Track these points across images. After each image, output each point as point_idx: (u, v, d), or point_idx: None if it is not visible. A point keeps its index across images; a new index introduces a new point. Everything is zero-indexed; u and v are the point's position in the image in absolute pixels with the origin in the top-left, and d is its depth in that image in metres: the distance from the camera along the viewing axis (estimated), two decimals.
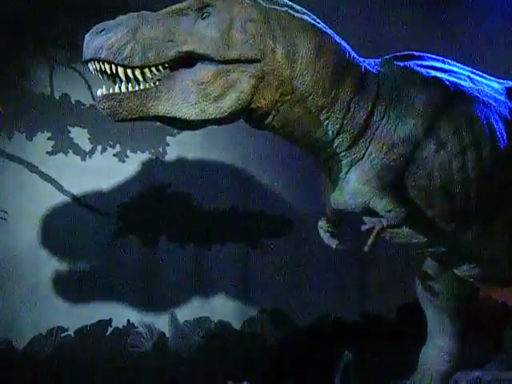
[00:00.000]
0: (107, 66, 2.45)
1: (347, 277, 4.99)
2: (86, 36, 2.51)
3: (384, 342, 4.69)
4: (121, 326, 4.57)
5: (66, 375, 4.39)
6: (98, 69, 2.48)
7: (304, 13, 2.69)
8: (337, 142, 2.72)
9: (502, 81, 3.26)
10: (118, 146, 4.57)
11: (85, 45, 2.50)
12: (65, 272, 4.51)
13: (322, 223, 3.09)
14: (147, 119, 2.56)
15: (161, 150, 4.64)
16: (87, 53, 2.48)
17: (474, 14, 5.06)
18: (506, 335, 4.65)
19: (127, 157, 4.59)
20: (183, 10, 2.55)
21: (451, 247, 3.05)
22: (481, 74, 3.18)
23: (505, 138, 2.94)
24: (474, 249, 3.09)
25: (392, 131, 2.73)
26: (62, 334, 4.46)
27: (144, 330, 4.60)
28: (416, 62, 2.93)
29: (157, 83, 2.49)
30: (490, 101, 2.98)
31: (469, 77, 3.04)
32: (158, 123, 2.69)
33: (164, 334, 4.63)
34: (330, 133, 2.70)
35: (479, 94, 2.95)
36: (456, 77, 2.96)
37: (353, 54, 2.76)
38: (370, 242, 2.72)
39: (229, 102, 2.51)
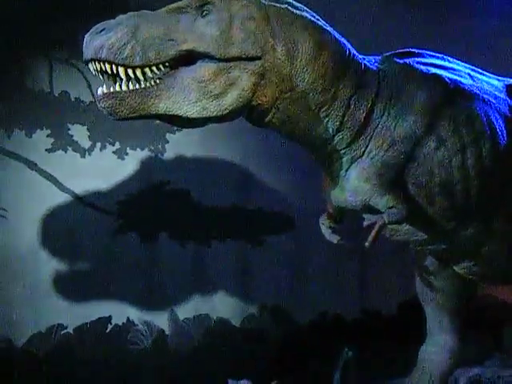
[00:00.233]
0: (108, 66, 2.45)
1: (347, 274, 4.99)
2: (86, 36, 2.50)
3: (384, 339, 4.70)
4: (120, 324, 4.57)
5: (66, 373, 4.39)
6: (99, 69, 2.47)
7: (304, 10, 2.69)
8: (337, 139, 2.73)
9: (501, 78, 3.26)
10: (117, 144, 4.57)
11: (85, 45, 2.49)
12: (64, 269, 4.50)
13: (323, 219, 3.10)
14: (148, 117, 2.55)
15: (160, 147, 4.63)
16: (87, 53, 2.47)
17: (474, 13, 5.06)
18: (506, 332, 4.65)
19: (127, 154, 4.58)
20: (183, 9, 2.55)
21: (451, 244, 3.06)
22: (481, 71, 3.19)
23: (505, 135, 2.94)
24: (474, 246, 3.09)
25: (392, 128, 2.73)
26: (62, 332, 4.45)
27: (144, 327, 4.60)
28: (416, 59, 2.93)
29: (157, 81, 2.49)
30: (490, 98, 2.98)
31: (469, 74, 3.05)
32: (158, 121, 2.69)
33: (164, 332, 4.63)
34: (330, 130, 2.70)
35: (479, 91, 2.95)
36: (456, 74, 2.96)
37: (353, 51, 2.76)
38: (370, 238, 2.73)
39: (230, 100, 2.51)
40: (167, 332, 4.64)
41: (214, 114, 2.51)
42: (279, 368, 4.55)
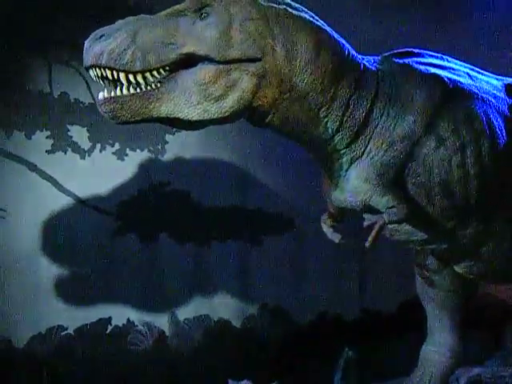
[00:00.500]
0: (108, 72, 2.45)
1: (347, 274, 4.99)
2: (86, 42, 2.50)
3: (384, 339, 4.70)
4: (121, 325, 4.57)
5: (66, 374, 4.39)
6: (100, 75, 2.47)
7: (302, 10, 2.69)
8: (336, 139, 2.73)
9: (500, 77, 3.26)
10: (117, 145, 4.57)
11: (85, 51, 2.49)
12: (64, 270, 4.50)
13: (324, 218, 3.10)
14: (149, 121, 2.55)
15: (160, 148, 4.63)
16: (87, 59, 2.47)
17: (475, 12, 5.06)
18: (507, 332, 4.65)
19: (126, 155, 4.58)
20: (181, 12, 2.55)
21: (451, 244, 3.06)
22: (480, 70, 3.18)
23: (504, 134, 2.94)
24: (474, 246, 3.09)
25: (391, 128, 2.73)
26: (62, 333, 4.45)
27: (144, 328, 4.60)
28: (415, 59, 2.94)
29: (158, 85, 2.49)
30: (489, 97, 2.98)
31: (468, 74, 3.04)
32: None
33: (164, 333, 4.63)
34: (330, 130, 2.70)
35: (478, 90, 2.95)
36: (455, 74, 2.96)
37: (352, 51, 2.76)
38: (371, 238, 2.74)
39: (231, 102, 2.51)
40: (167, 333, 4.64)
41: (215, 116, 2.52)
42: (279, 368, 4.56)
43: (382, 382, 4.12)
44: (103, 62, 2.43)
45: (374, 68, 2.81)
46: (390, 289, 4.93)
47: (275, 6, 2.59)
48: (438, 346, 3.67)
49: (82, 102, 4.51)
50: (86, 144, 4.53)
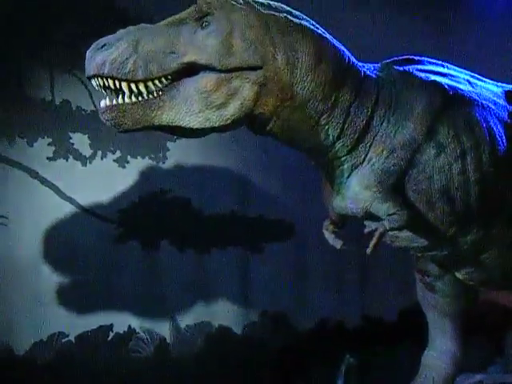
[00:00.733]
0: (111, 82, 2.45)
1: (348, 280, 4.99)
2: (88, 52, 2.51)
3: (386, 346, 4.70)
4: (122, 332, 4.57)
5: (67, 381, 4.39)
6: (102, 84, 2.48)
7: (303, 18, 2.69)
8: (337, 146, 2.73)
9: (500, 84, 3.27)
10: (118, 152, 4.58)
11: (86, 61, 2.50)
12: (65, 277, 4.51)
13: (326, 225, 3.10)
14: (151, 129, 2.56)
15: (161, 155, 4.65)
16: (90, 69, 2.48)
17: (476, 19, 5.07)
18: (508, 338, 4.64)
19: (127, 162, 4.59)
20: (183, 21, 2.55)
21: (452, 251, 3.05)
22: (480, 77, 3.19)
23: (504, 141, 2.94)
24: (475, 252, 3.09)
25: (392, 135, 2.74)
26: (63, 340, 4.45)
27: (145, 335, 4.60)
28: (415, 66, 2.94)
29: (160, 93, 2.50)
30: (489, 104, 2.99)
31: (468, 80, 3.05)
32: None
33: (165, 339, 4.63)
34: (331, 137, 2.71)
35: (478, 97, 2.96)
36: (455, 80, 2.97)
37: (352, 58, 2.77)
38: (372, 244, 2.74)
39: (232, 110, 2.52)
40: (168, 340, 4.64)
41: (217, 124, 2.52)
42: (281, 375, 4.56)
43: None
44: (105, 72, 2.43)
45: (374, 75, 2.82)
46: (391, 295, 4.93)
47: (276, 13, 2.60)
48: (440, 352, 3.66)
49: (83, 110, 4.52)
50: (87, 151, 4.54)
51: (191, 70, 2.51)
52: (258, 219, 4.83)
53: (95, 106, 4.43)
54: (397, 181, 2.74)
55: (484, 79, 3.20)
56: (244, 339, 4.75)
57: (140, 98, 2.48)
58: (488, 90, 3.10)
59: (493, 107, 2.99)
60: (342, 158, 2.76)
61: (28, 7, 4.38)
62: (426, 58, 3.07)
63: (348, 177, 2.78)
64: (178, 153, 4.65)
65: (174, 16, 2.58)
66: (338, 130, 2.70)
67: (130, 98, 2.48)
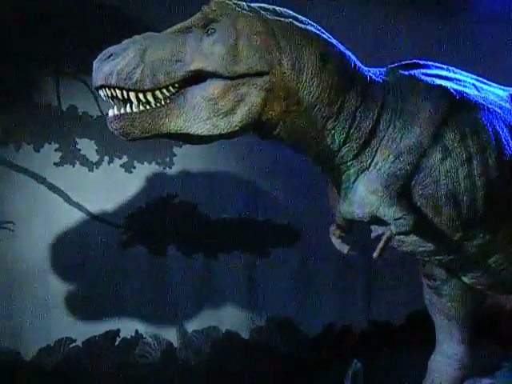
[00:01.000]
0: (118, 92, 2.46)
1: (355, 285, 4.99)
2: (94, 62, 2.52)
3: (393, 350, 4.69)
4: (129, 337, 4.57)
5: None
6: (110, 95, 2.49)
7: (308, 23, 2.70)
8: (343, 151, 2.74)
9: (506, 88, 3.27)
10: (124, 157, 4.59)
11: (94, 72, 2.51)
12: (73, 282, 4.51)
13: (332, 229, 3.10)
14: (159, 137, 2.56)
15: (168, 160, 4.65)
16: (97, 80, 2.49)
17: (480, 21, 5.07)
18: None
19: (134, 168, 4.60)
20: (188, 28, 2.56)
21: (458, 255, 3.05)
22: (486, 81, 3.19)
23: (510, 145, 2.94)
24: (482, 256, 3.08)
25: (398, 140, 2.74)
26: (70, 345, 4.46)
27: (152, 340, 4.60)
28: (421, 70, 2.94)
29: (167, 101, 2.50)
30: (496, 108, 2.98)
31: (474, 85, 3.05)
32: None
33: (172, 344, 4.63)
34: (337, 142, 2.71)
35: (484, 101, 2.95)
36: (461, 85, 2.97)
37: (358, 63, 2.78)
38: (378, 248, 2.74)
39: (239, 116, 2.52)
40: (175, 345, 4.64)
41: (225, 131, 2.53)
42: (288, 380, 4.55)
43: None
44: (113, 82, 2.44)
45: (380, 80, 2.82)
46: (398, 299, 4.92)
47: (281, 19, 2.61)
48: (447, 356, 3.65)
49: (90, 115, 4.53)
50: (94, 157, 4.55)
51: (198, 77, 2.52)
52: (265, 224, 4.82)
53: (102, 112, 4.45)
54: (403, 185, 2.74)
55: (490, 83, 3.20)
56: (251, 344, 4.75)
57: (148, 107, 2.49)
58: (494, 93, 3.10)
59: (499, 111, 2.99)
60: (349, 163, 2.77)
61: (35, 15, 4.40)
62: (431, 63, 3.07)
63: (354, 181, 2.78)
64: (185, 158, 4.65)
65: (179, 24, 2.59)
66: (344, 135, 2.70)
67: (138, 107, 2.48)
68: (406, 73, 2.89)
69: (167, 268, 4.67)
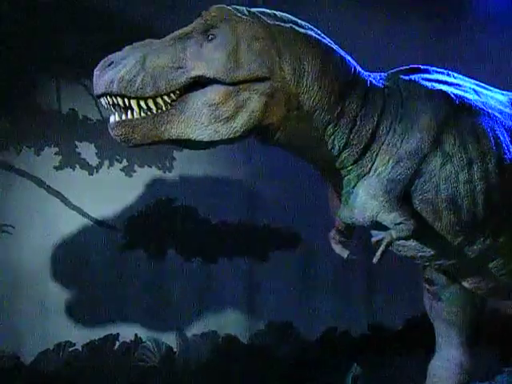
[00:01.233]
0: (120, 100, 2.46)
1: (355, 289, 4.98)
2: (95, 70, 2.51)
3: (392, 355, 4.68)
4: (128, 341, 4.56)
5: None
6: (111, 103, 2.48)
7: (309, 28, 2.70)
8: (344, 155, 2.74)
9: (506, 93, 3.27)
10: (124, 161, 4.59)
11: (94, 80, 2.50)
12: (72, 286, 4.51)
13: (333, 234, 3.10)
14: (161, 143, 2.56)
15: (168, 164, 4.66)
16: (98, 88, 2.49)
17: (480, 27, 5.08)
18: None
19: (134, 171, 4.61)
20: (188, 34, 2.55)
21: (459, 260, 3.05)
22: (486, 86, 3.19)
23: (511, 149, 2.94)
24: (482, 261, 3.08)
25: (398, 145, 2.74)
26: (70, 349, 4.45)
27: (151, 344, 4.59)
28: (421, 75, 2.94)
29: (168, 107, 2.50)
30: (496, 113, 2.99)
31: (474, 89, 3.05)
32: None
33: (171, 349, 4.63)
34: (337, 147, 2.71)
35: (484, 106, 2.96)
36: (461, 90, 2.97)
37: (358, 68, 2.78)
38: (378, 253, 2.74)
39: (241, 122, 2.52)
40: (175, 349, 4.63)
41: (226, 136, 2.52)
42: None
43: None
44: (114, 90, 2.44)
45: (380, 85, 2.83)
46: (398, 304, 4.92)
47: (281, 24, 2.60)
48: (446, 361, 3.64)
49: (90, 119, 4.54)
50: (94, 160, 4.55)
51: (199, 83, 2.51)
52: (265, 228, 4.83)
53: (102, 116, 4.45)
54: (403, 190, 2.73)
55: (490, 88, 3.20)
56: (251, 348, 4.74)
57: (149, 113, 2.48)
58: (494, 98, 3.10)
59: (499, 116, 2.99)
60: (349, 168, 2.77)
61: (36, 19, 4.40)
62: (431, 67, 3.07)
63: (354, 186, 2.78)
64: (185, 162, 4.66)
65: (179, 30, 2.58)
66: (344, 140, 2.70)
67: (140, 113, 2.48)
68: (407, 78, 2.89)
69: (167, 272, 4.66)
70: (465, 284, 3.30)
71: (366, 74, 2.83)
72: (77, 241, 4.50)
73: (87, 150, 4.54)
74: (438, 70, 3.07)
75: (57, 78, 4.51)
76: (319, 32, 2.73)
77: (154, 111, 2.48)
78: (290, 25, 2.63)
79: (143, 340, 4.58)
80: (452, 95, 2.85)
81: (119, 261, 4.56)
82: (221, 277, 4.74)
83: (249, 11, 2.59)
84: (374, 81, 2.82)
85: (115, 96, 2.46)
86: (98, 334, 4.51)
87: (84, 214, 4.53)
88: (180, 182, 4.69)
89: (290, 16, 2.69)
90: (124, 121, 2.47)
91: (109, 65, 2.48)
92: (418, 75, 2.94)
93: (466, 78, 3.14)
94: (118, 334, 4.54)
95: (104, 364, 4.48)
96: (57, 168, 4.49)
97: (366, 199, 2.72)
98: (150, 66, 2.46)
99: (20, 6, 4.40)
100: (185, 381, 4.57)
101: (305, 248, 4.85)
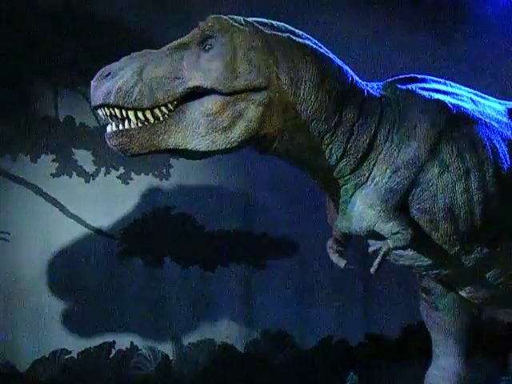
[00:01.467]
0: (117, 111, 2.45)
1: (351, 298, 4.98)
2: (92, 81, 2.51)
3: (389, 363, 4.67)
4: (124, 349, 4.56)
5: None
6: (108, 114, 2.48)
7: (306, 38, 2.69)
8: (341, 165, 2.73)
9: (503, 102, 3.27)
10: (121, 169, 4.59)
11: (92, 91, 2.50)
12: (68, 294, 4.50)
13: (330, 243, 3.10)
14: (158, 153, 2.55)
15: (164, 172, 4.66)
16: (95, 99, 2.48)
17: (477, 34, 5.09)
18: None
19: (131, 179, 4.61)
20: (186, 45, 2.55)
21: (456, 269, 3.04)
22: (483, 95, 3.19)
23: (508, 159, 2.94)
24: (479, 271, 3.08)
25: (395, 154, 2.74)
26: (66, 357, 4.45)
27: (147, 352, 4.59)
28: (418, 84, 2.94)
29: (166, 117, 2.49)
30: (493, 122, 2.98)
31: (471, 99, 3.05)
32: None
33: (167, 357, 4.62)
34: (334, 156, 2.71)
35: (481, 115, 2.95)
36: (458, 99, 2.97)
37: (355, 77, 2.77)
38: (376, 263, 2.73)
39: (238, 132, 2.51)
40: (171, 357, 4.62)
41: (223, 146, 2.52)
42: None
43: None
44: (111, 101, 2.43)
45: (377, 94, 2.82)
46: (395, 313, 4.91)
47: (278, 33, 2.60)
48: (443, 370, 3.63)
49: (87, 126, 4.54)
50: (90, 168, 4.56)
51: (196, 93, 2.51)
52: (262, 236, 4.83)
53: (99, 123, 4.45)
54: (400, 200, 2.73)
55: (487, 97, 3.20)
56: (246, 357, 4.73)
57: (146, 123, 2.47)
58: (491, 107, 3.10)
59: (496, 125, 2.99)
60: (346, 177, 2.76)
61: (34, 27, 4.41)
62: (429, 77, 3.06)
63: (352, 196, 2.77)
64: (182, 170, 4.66)
65: (176, 40, 2.58)
66: (342, 149, 2.70)
67: (137, 123, 2.47)
68: (404, 87, 2.89)
69: (163, 280, 4.66)
70: (462, 293, 3.30)
71: (364, 83, 2.82)
72: (73, 248, 4.50)
73: (84, 158, 4.54)
74: (435, 79, 3.07)
75: (54, 85, 4.51)
76: (316, 41, 2.73)
77: (152, 121, 2.48)
78: (287, 34, 2.62)
79: (139, 348, 4.57)
80: (449, 104, 2.85)
81: (115, 268, 4.56)
82: (217, 285, 4.74)
83: (246, 21, 2.59)
84: (371, 90, 2.82)
85: (112, 107, 2.45)
86: (93, 341, 4.51)
87: (80, 221, 4.52)
88: (177, 189, 4.69)
89: (287, 25, 2.69)
90: (121, 131, 2.47)
91: (106, 76, 2.47)
92: (415, 84, 2.94)
93: (463, 87, 3.13)
94: (113, 341, 4.53)
95: (100, 372, 4.47)
96: (53, 175, 4.49)
97: (363, 209, 2.72)
98: (148, 76, 2.45)
99: (18, 14, 4.40)
100: None
101: (302, 256, 4.85)
